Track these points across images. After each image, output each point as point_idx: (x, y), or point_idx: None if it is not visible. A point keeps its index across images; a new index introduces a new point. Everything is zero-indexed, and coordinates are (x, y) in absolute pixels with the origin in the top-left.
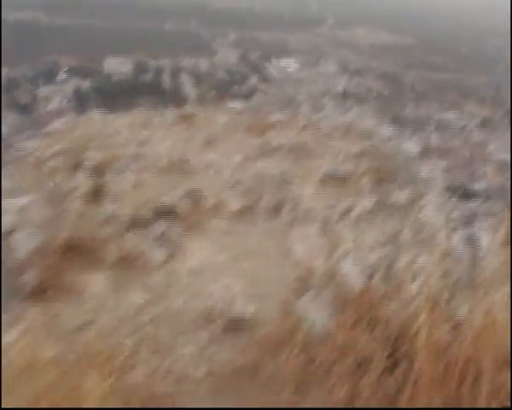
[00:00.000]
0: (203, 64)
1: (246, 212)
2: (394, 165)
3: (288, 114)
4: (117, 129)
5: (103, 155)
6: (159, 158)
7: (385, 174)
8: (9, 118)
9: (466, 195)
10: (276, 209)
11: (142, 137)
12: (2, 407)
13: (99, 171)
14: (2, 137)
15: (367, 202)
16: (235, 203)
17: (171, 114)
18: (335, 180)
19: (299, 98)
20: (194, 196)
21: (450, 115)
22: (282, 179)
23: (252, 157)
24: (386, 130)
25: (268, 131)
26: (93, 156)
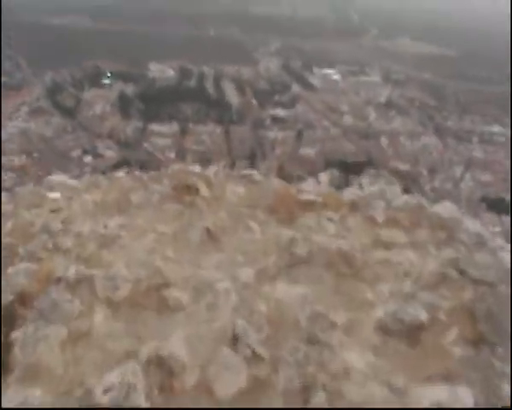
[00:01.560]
0: (246, 72)
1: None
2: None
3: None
4: None
5: None
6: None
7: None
8: (53, 121)
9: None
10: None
11: None
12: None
13: None
14: (47, 138)
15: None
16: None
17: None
18: (400, 335)
19: (343, 108)
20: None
21: (494, 128)
22: (309, 331)
23: (270, 273)
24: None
25: (299, 214)
26: None
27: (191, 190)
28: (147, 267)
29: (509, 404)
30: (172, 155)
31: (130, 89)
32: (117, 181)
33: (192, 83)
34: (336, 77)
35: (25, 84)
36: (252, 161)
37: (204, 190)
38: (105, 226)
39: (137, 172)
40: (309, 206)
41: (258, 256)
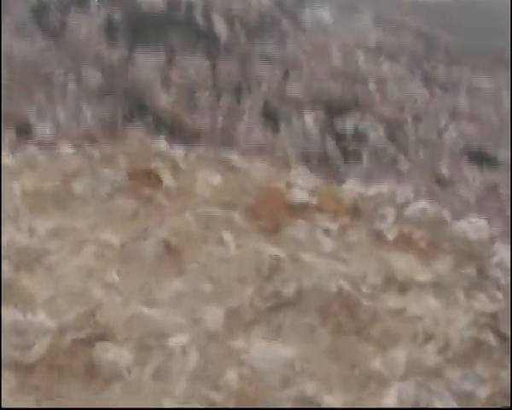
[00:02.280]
0: (236, 5)
1: None
2: None
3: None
4: None
5: None
6: None
7: None
8: (39, 42)
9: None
10: None
11: None
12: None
13: None
14: (30, 61)
15: None
16: None
17: None
18: None
19: (331, 50)
20: None
21: (483, 81)
22: None
23: (245, 317)
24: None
25: (287, 220)
26: None
27: (152, 177)
28: (78, 303)
29: None
30: (157, 85)
31: (116, 14)
32: (60, 160)
33: (180, 12)
34: (327, 18)
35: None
36: (237, 95)
37: (168, 179)
38: (31, 232)
39: (88, 148)
40: (300, 210)
41: (230, 285)
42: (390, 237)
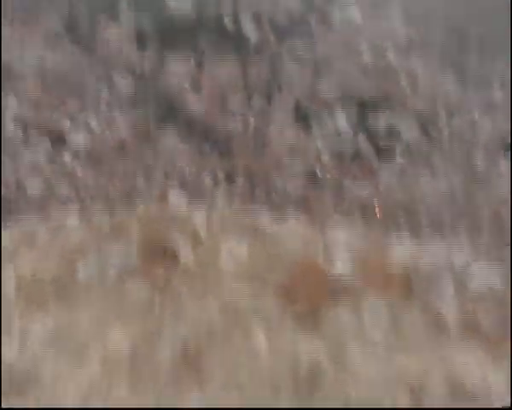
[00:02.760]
0: (264, 4)
1: None
2: None
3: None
4: None
5: None
6: None
7: None
8: (70, 51)
9: None
10: None
11: None
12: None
13: None
14: (62, 69)
15: None
16: None
17: None
18: None
19: (361, 46)
20: None
21: None
22: None
23: None
24: None
25: (326, 303)
26: None
27: (168, 251)
28: None
29: None
30: (188, 90)
31: (145, 21)
32: (63, 234)
33: (209, 16)
34: (356, 14)
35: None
36: (268, 96)
37: (186, 255)
38: (22, 341)
39: (96, 220)
40: (342, 288)
41: (260, 397)
42: (450, 320)
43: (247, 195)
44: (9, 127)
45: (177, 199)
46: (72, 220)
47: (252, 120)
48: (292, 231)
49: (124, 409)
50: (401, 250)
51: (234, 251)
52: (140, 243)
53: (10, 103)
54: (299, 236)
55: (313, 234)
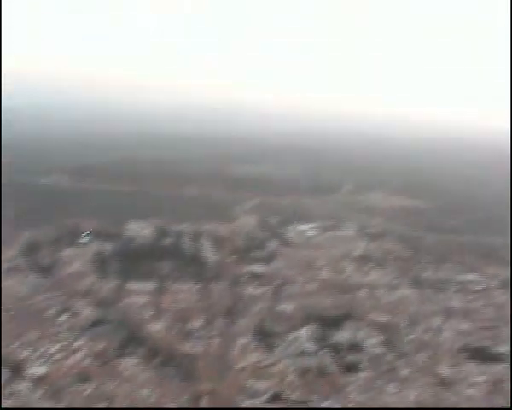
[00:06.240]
0: (223, 229)
1: None
2: None
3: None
4: None
5: None
6: None
7: None
8: (31, 279)
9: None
10: None
11: None
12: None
13: None
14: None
15: None
16: None
17: None
18: None
19: (319, 262)
20: None
21: (470, 277)
22: None
23: None
24: None
25: None
26: None
27: None
28: None
29: None
30: (149, 314)
31: (108, 247)
32: None
33: (169, 240)
34: (312, 232)
35: (3, 243)
36: (230, 317)
37: None
38: None
39: None
40: None
41: None
42: None
43: None
44: None
45: None
46: None
47: (215, 341)
48: None
49: (127, 409)
50: None
51: None
52: None
53: None
54: None
55: None
